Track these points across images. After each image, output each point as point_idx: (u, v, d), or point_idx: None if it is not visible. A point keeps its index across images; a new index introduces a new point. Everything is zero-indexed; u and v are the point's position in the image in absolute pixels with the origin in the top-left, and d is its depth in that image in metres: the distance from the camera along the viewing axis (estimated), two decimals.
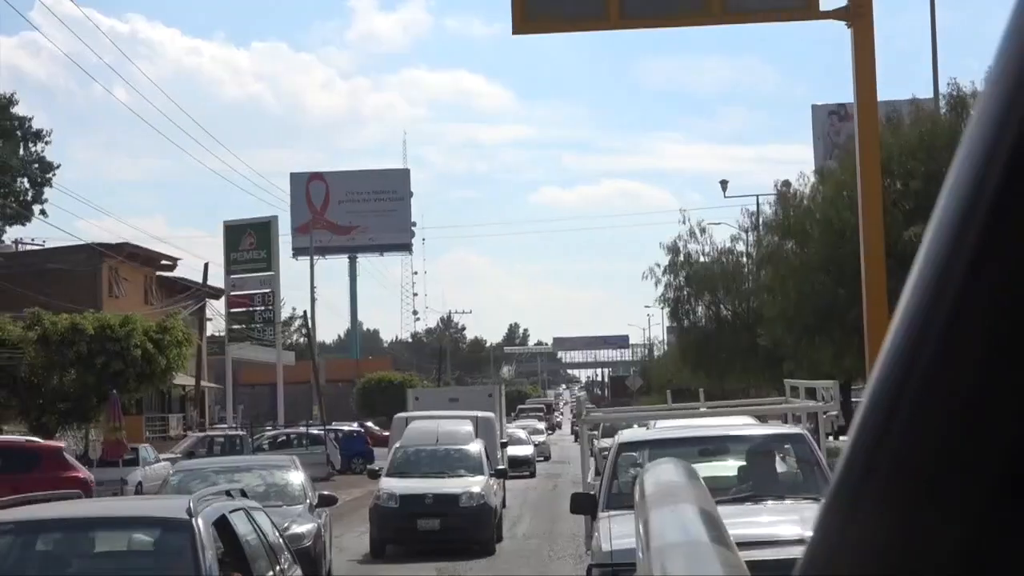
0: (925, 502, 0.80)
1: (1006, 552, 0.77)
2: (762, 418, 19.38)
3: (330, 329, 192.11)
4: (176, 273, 59.56)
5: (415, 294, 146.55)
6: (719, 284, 38.25)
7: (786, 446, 14.02)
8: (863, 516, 0.85)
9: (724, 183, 49.52)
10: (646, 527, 2.12)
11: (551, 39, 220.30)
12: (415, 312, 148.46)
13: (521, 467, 42.24)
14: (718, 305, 38.32)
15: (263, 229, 61.74)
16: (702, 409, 22.35)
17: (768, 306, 31.09)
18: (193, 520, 10.34)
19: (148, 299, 51.65)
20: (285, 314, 79.52)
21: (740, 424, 16.37)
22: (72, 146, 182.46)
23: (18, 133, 50.55)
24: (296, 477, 20.79)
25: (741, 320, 34.90)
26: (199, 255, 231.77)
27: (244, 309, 62.13)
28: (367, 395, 76.37)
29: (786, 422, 18.45)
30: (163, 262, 54.94)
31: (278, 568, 11.65)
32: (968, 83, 30.98)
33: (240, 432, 41.37)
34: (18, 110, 57.69)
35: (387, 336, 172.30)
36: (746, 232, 38.93)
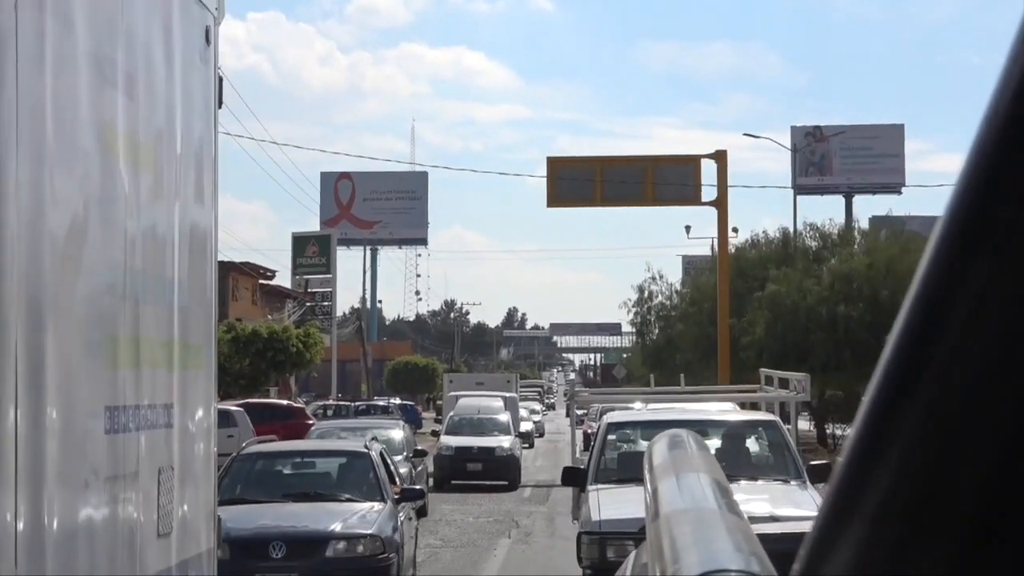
0: (913, 520, 0.84)
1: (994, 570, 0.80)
2: (743, 404, 20.63)
3: (343, 304, 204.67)
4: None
5: (418, 275, 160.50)
6: (671, 315, 54.25)
7: (759, 431, 15.23)
8: (856, 525, 0.88)
9: (688, 228, 69.39)
10: (655, 495, 2.17)
11: (554, 17, 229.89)
12: (417, 292, 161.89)
13: (522, 440, 48.03)
14: (669, 330, 53.63)
15: (324, 241, 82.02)
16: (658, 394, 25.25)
17: (683, 339, 48.66)
18: (370, 452, 17.38)
19: (254, 301, 72.64)
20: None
21: (718, 409, 17.69)
22: None
23: None
24: (398, 434, 28.85)
25: (683, 340, 50.53)
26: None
27: (309, 304, 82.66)
28: (396, 375, 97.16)
29: (760, 408, 19.85)
30: (267, 273, 75.96)
31: (397, 484, 17.73)
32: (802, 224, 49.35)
33: (344, 402, 62.03)
34: None
35: (389, 314, 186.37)
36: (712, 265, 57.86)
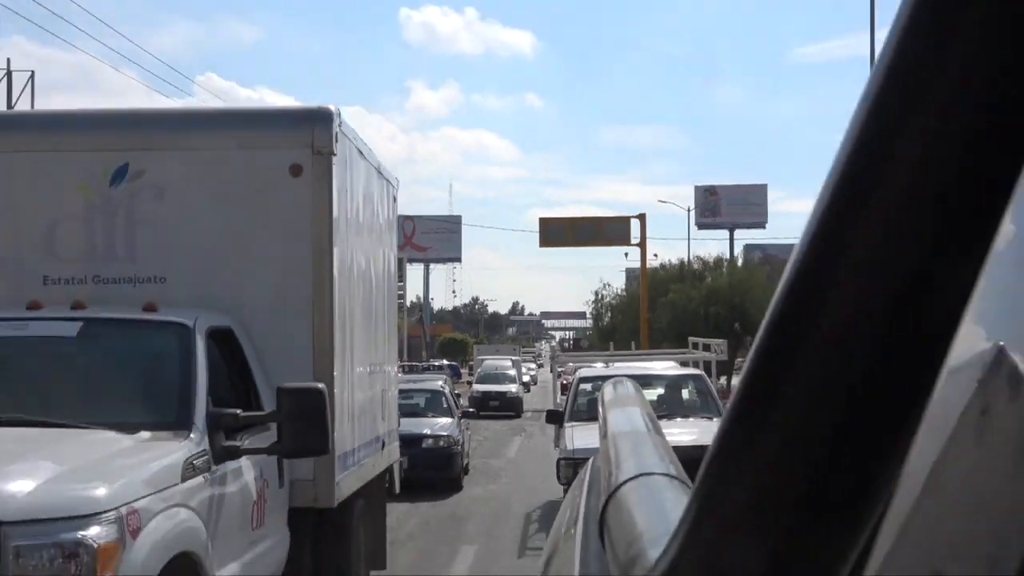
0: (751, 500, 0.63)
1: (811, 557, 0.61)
2: (685, 363, 17.96)
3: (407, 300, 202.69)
4: None
5: (454, 280, 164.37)
6: (617, 310, 57.00)
7: (690, 382, 13.86)
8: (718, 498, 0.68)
9: (626, 254, 72.45)
10: (604, 422, 2.00)
11: (543, 110, 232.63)
12: (454, 292, 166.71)
13: (524, 387, 46.40)
14: (614, 319, 56.14)
15: (399, 262, 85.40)
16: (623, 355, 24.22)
17: (621, 325, 50.64)
18: (444, 389, 18.84)
19: None
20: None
21: (663, 366, 15.91)
22: None
23: None
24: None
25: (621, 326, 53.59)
26: None
27: None
28: (444, 346, 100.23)
29: (688, 365, 17.37)
30: None
31: (459, 409, 18.74)
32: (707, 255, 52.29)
33: (414, 363, 65.16)
34: None
35: (436, 306, 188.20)
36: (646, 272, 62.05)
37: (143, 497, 4.74)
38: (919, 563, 0.49)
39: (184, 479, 5.20)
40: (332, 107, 7.17)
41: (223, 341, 6.42)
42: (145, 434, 5.42)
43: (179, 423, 5.60)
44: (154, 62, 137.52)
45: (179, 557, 4.91)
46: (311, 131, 6.95)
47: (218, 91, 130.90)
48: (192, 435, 5.53)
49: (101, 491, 4.56)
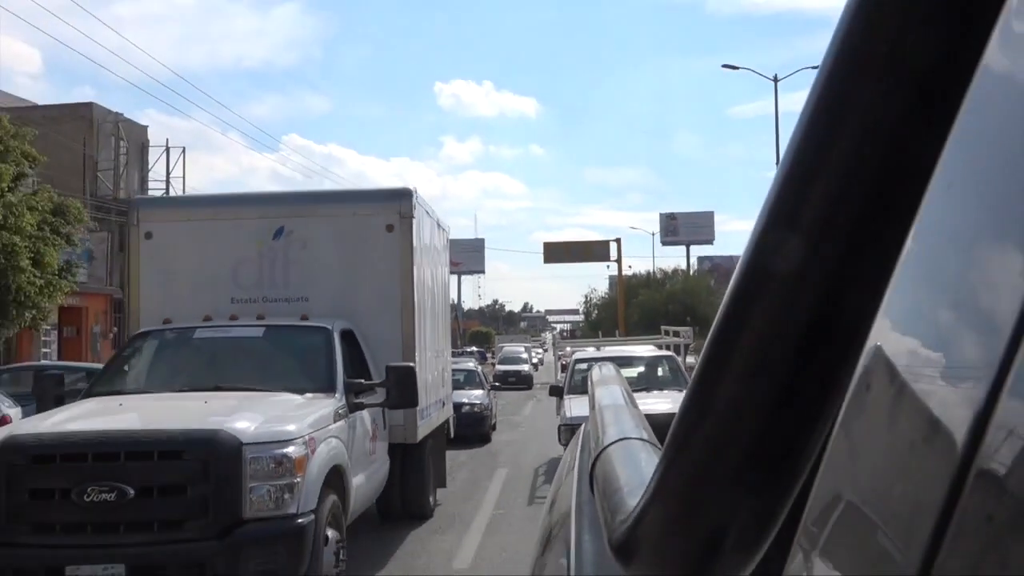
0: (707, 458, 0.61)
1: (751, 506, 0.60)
2: (660, 346, 17.12)
3: None
4: None
5: (479, 286, 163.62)
6: (601, 308, 57.18)
7: (664, 361, 13.49)
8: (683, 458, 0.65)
9: (608, 266, 72.90)
10: (592, 397, 1.93)
11: (544, 155, 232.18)
12: (479, 295, 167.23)
13: (533, 367, 45.07)
14: (599, 315, 55.17)
15: None
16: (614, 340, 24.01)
17: (605, 320, 50.56)
18: (477, 368, 18.70)
19: None
20: None
21: (643, 348, 15.06)
22: None
23: None
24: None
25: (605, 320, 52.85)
26: None
27: None
28: (473, 336, 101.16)
29: (662, 348, 16.30)
30: None
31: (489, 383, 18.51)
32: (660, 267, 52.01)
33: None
34: None
35: (466, 305, 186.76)
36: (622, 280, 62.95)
37: (314, 431, 5.79)
38: (832, 494, 0.49)
39: (334, 421, 6.26)
40: (412, 187, 8.30)
41: (348, 338, 7.41)
42: (309, 395, 6.45)
43: (328, 388, 6.60)
44: (249, 126, 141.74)
45: (334, 467, 6.01)
46: (399, 203, 8.06)
47: (298, 148, 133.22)
48: (336, 395, 6.56)
49: (293, 427, 5.65)
